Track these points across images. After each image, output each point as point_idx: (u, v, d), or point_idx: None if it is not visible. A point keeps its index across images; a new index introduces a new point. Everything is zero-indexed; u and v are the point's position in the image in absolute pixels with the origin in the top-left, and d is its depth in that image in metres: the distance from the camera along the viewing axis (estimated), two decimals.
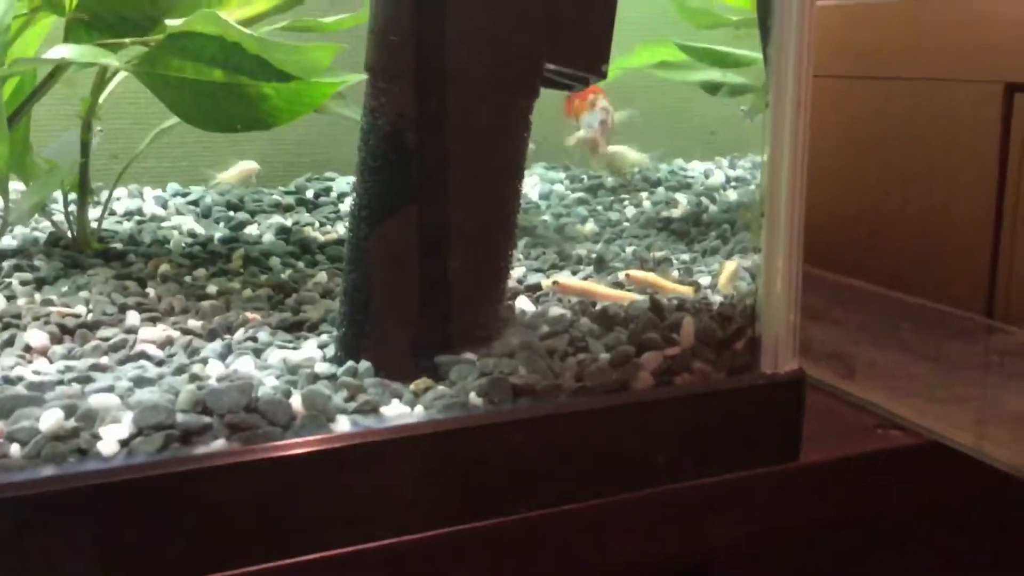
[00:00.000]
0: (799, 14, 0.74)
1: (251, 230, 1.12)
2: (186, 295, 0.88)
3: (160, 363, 0.73)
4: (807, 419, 0.76)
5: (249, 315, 0.83)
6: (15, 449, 0.57)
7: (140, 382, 0.66)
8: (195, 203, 1.22)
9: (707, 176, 1.44)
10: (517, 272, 0.93)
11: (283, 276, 0.94)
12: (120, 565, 0.57)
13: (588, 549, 0.69)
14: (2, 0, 0.89)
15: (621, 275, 0.88)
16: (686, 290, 0.85)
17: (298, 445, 0.60)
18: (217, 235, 1.09)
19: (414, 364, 0.70)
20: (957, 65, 1.17)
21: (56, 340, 0.76)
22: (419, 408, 0.67)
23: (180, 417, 0.60)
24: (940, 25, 1.19)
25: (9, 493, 0.54)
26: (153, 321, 0.81)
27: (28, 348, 0.74)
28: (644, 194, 1.33)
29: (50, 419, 0.58)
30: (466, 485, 0.65)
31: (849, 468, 0.77)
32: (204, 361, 0.71)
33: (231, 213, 1.19)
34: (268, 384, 0.66)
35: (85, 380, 0.67)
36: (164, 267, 0.96)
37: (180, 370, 0.69)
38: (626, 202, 1.30)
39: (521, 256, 1.02)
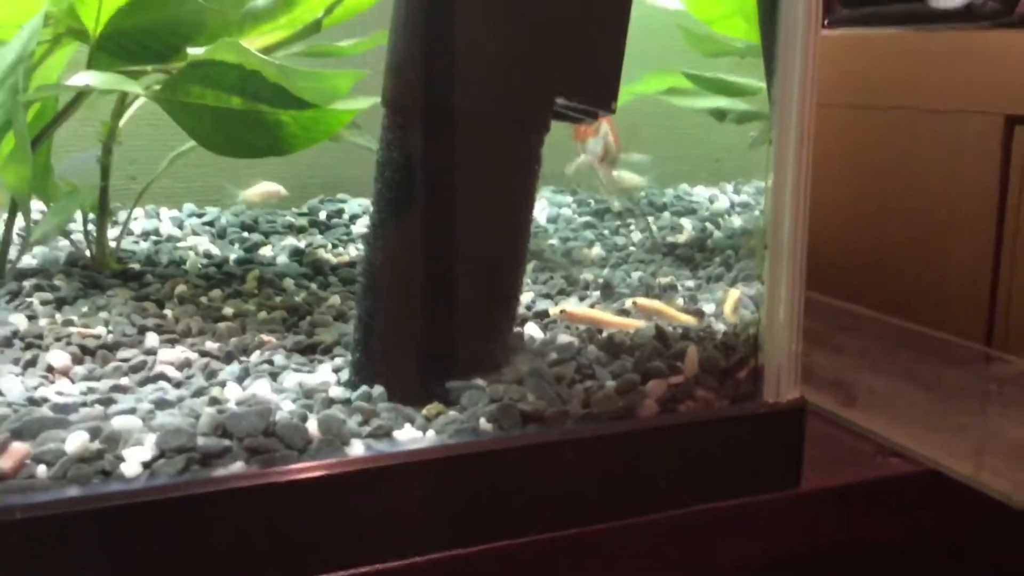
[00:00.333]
0: (804, 43, 0.76)
1: (265, 251, 1.14)
2: (203, 316, 0.90)
3: (179, 384, 0.75)
4: (807, 445, 0.78)
5: (264, 337, 0.85)
6: (41, 470, 0.59)
7: (161, 404, 0.68)
8: (210, 223, 1.24)
9: (712, 201, 1.46)
10: (526, 297, 0.95)
11: (297, 299, 0.96)
12: None
13: (594, 572, 0.71)
14: (26, 27, 0.91)
15: (628, 303, 0.90)
16: (690, 319, 0.87)
17: (314, 468, 0.62)
18: (232, 256, 1.11)
19: (426, 389, 0.72)
20: (959, 97, 1.19)
21: (77, 361, 0.78)
22: (431, 433, 0.69)
23: (201, 440, 0.62)
24: (942, 57, 1.21)
25: (36, 513, 0.56)
26: (171, 343, 0.83)
27: (51, 368, 0.76)
28: (651, 219, 1.35)
29: (76, 441, 0.60)
30: (476, 508, 0.67)
31: (849, 495, 0.79)
32: (222, 384, 0.73)
33: (245, 234, 1.21)
34: (285, 408, 0.68)
35: (107, 402, 0.69)
36: (181, 288, 0.98)
37: (199, 392, 0.71)
38: (632, 226, 1.32)
39: (529, 281, 1.04)
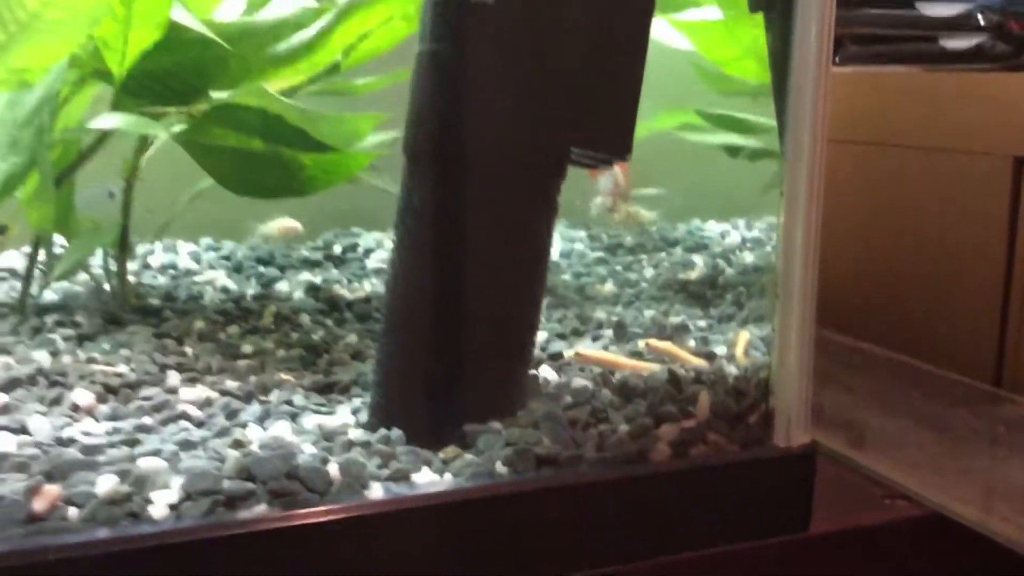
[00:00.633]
0: (815, 81, 0.78)
1: (281, 286, 1.16)
2: (222, 354, 0.92)
3: (200, 424, 0.76)
4: (816, 487, 0.79)
5: (283, 376, 0.87)
6: (72, 512, 0.60)
7: (185, 446, 0.70)
8: (227, 258, 1.26)
9: (724, 236, 1.48)
10: (540, 337, 0.97)
11: (314, 336, 0.98)
12: None
13: None
14: (53, 69, 0.94)
15: (641, 344, 0.92)
16: (702, 362, 0.89)
17: (336, 512, 0.64)
18: (249, 291, 1.13)
19: (443, 433, 0.73)
20: (968, 137, 1.20)
21: (101, 399, 0.80)
22: (448, 476, 0.70)
23: (226, 483, 0.64)
24: (951, 98, 1.23)
25: (69, 554, 0.57)
26: (192, 381, 0.85)
27: (76, 407, 0.78)
28: (662, 254, 1.37)
29: (106, 484, 0.62)
30: (492, 550, 0.69)
31: (858, 539, 0.80)
32: (243, 425, 0.75)
33: (261, 268, 1.23)
34: (306, 451, 0.69)
35: (132, 442, 0.70)
36: (199, 324, 1.00)
37: (222, 433, 0.73)
38: (644, 262, 1.33)
39: (544, 319, 1.05)
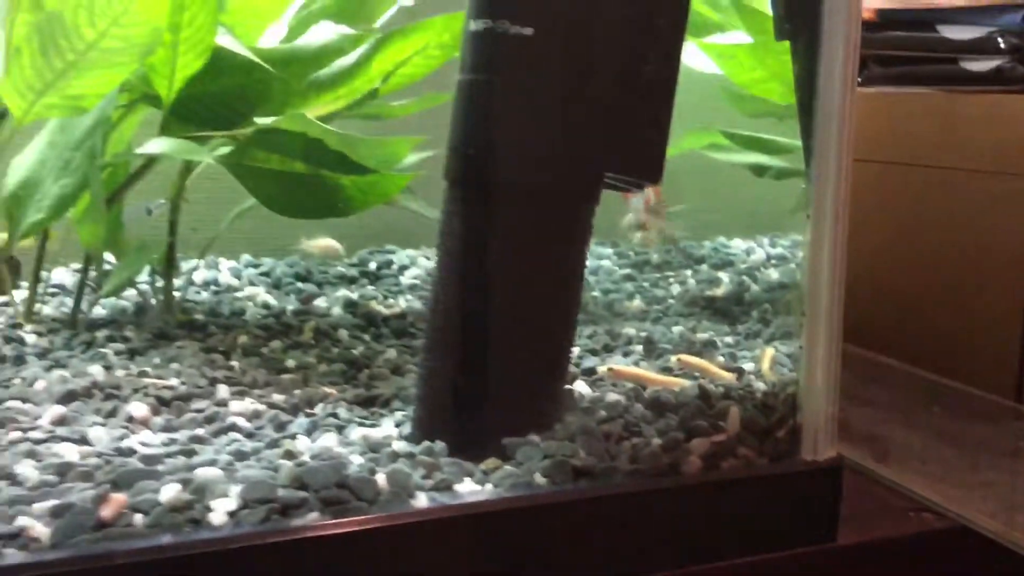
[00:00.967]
0: (841, 108, 0.81)
1: (319, 302, 1.20)
2: (267, 368, 0.96)
3: (250, 435, 0.80)
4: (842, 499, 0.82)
5: (326, 389, 0.90)
6: (138, 518, 0.64)
7: (239, 456, 0.73)
8: (266, 274, 1.30)
9: (748, 254, 1.50)
10: (573, 352, 1.00)
11: (355, 352, 1.01)
12: None
13: None
14: (106, 95, 0.98)
15: (672, 359, 0.95)
16: (731, 377, 0.92)
17: (385, 519, 0.67)
18: (289, 307, 1.17)
19: (484, 445, 0.77)
20: (988, 158, 1.23)
21: (155, 411, 0.84)
22: (489, 486, 0.73)
23: (281, 492, 0.67)
24: (972, 119, 1.25)
25: (135, 559, 0.61)
26: (240, 394, 0.88)
27: (131, 419, 0.82)
28: (688, 271, 1.40)
29: (169, 492, 0.65)
30: (531, 558, 0.72)
31: (883, 550, 0.82)
32: (292, 436, 0.78)
33: (299, 284, 1.27)
34: (354, 461, 0.73)
35: (189, 453, 0.74)
36: (243, 339, 1.03)
37: (272, 444, 0.76)
38: (671, 279, 1.37)
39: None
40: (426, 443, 0.76)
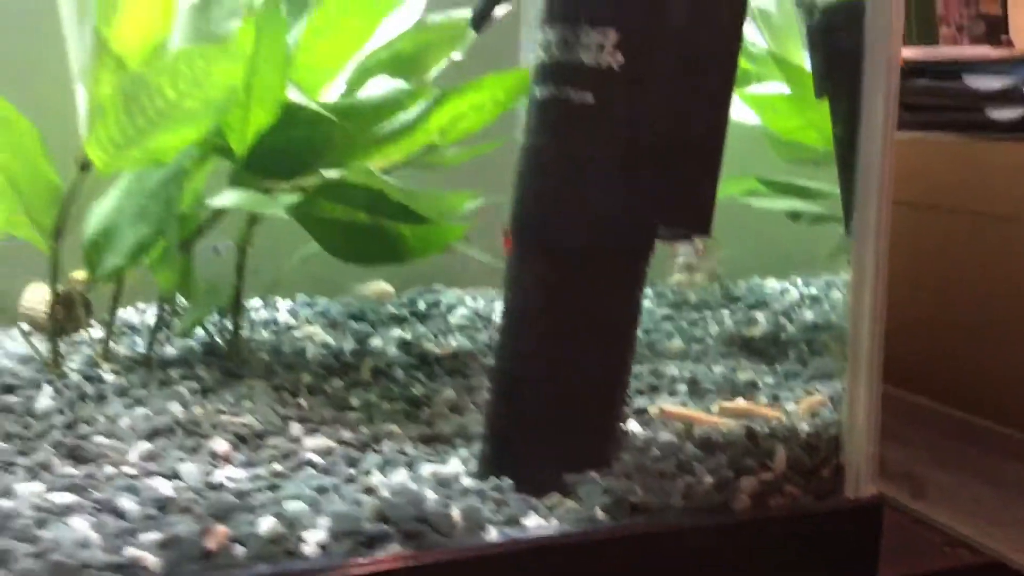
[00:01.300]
0: (880, 158, 0.86)
1: (375, 341, 1.25)
2: (332, 406, 1.01)
3: (326, 471, 0.85)
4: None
5: (391, 427, 0.96)
6: (239, 550, 0.70)
7: (320, 490, 0.79)
8: (322, 314, 1.36)
9: (783, 294, 1.55)
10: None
11: (414, 391, 1.07)
12: None
13: None
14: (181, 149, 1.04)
15: (714, 408, 1.00)
16: (777, 414, 0.97)
17: (464, 551, 0.72)
18: (347, 346, 1.22)
19: (546, 482, 0.82)
20: (1012, 204, 1.27)
21: (235, 447, 0.89)
22: (554, 521, 0.79)
23: (366, 525, 0.72)
24: (998, 166, 1.30)
25: None
26: (312, 432, 0.94)
27: (214, 455, 0.87)
28: (725, 311, 1.45)
29: (267, 524, 0.71)
30: None
31: None
32: (367, 472, 0.84)
33: (354, 323, 1.33)
34: (428, 496, 0.78)
35: (273, 487, 0.80)
36: (307, 378, 1.09)
37: (349, 480, 0.82)
38: (708, 318, 1.42)
39: None
40: (493, 480, 0.82)
